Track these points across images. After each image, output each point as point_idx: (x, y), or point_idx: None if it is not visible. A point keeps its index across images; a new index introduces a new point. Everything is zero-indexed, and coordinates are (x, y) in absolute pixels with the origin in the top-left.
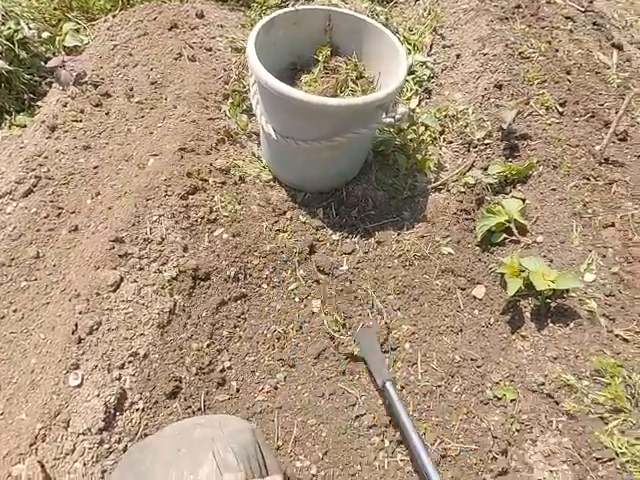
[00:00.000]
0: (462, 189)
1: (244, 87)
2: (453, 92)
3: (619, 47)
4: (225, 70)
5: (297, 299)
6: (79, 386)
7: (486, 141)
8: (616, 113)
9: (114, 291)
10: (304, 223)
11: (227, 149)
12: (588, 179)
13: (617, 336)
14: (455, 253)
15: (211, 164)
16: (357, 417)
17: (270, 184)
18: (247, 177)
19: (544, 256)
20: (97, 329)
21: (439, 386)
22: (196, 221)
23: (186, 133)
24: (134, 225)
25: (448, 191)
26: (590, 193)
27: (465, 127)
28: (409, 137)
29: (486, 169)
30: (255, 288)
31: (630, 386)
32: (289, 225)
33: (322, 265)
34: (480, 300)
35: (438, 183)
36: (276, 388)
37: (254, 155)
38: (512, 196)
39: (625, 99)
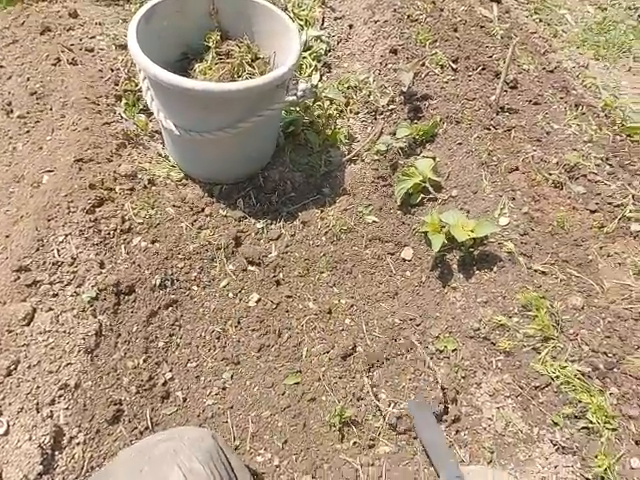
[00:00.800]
0: (375, 157)
1: (137, 85)
2: (352, 63)
3: (498, 0)
4: (112, 70)
5: (231, 295)
6: (5, 434)
7: (390, 107)
8: (504, 63)
9: (28, 324)
10: (225, 217)
11: (130, 153)
12: (489, 129)
13: (536, 271)
14: (379, 220)
15: (115, 171)
16: (310, 399)
17: (182, 182)
18: (156, 179)
19: (461, 208)
20: (15, 369)
21: (385, 351)
22: (109, 234)
23: (80, 142)
24: (38, 250)
25: (363, 161)
26: (492, 142)
27: (369, 96)
28: (316, 113)
29: (394, 134)
30: (185, 292)
31: (554, 314)
32: (210, 221)
33: (250, 256)
34: (409, 261)
35: (352, 155)
36: (224, 388)
37: (160, 155)
38: (423, 156)
39: (509, 49)
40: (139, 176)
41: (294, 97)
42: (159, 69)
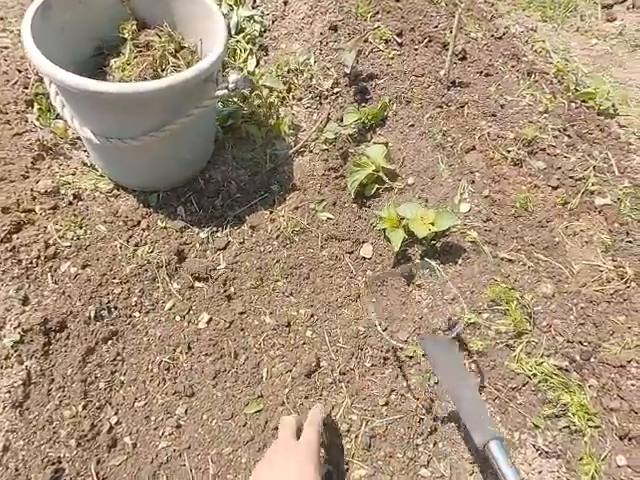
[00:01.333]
0: (324, 146)
1: None
2: (290, 43)
3: None
4: (20, 71)
5: (178, 318)
6: None
7: (335, 90)
8: (451, 33)
9: None
10: (165, 228)
11: (49, 165)
12: (441, 107)
13: (502, 259)
14: (334, 216)
15: (32, 189)
16: (275, 428)
17: (114, 194)
18: (83, 193)
19: (419, 197)
20: None
21: (350, 363)
22: (31, 263)
23: None
24: None
25: (311, 152)
26: (446, 121)
27: (311, 79)
28: (256, 103)
29: (342, 120)
30: (125, 320)
31: (525, 306)
32: (147, 236)
33: (196, 271)
34: (370, 259)
35: (299, 146)
36: (179, 426)
37: (85, 164)
38: (374, 142)
39: (455, 17)
40: (62, 191)
41: (225, 91)
42: (63, 72)
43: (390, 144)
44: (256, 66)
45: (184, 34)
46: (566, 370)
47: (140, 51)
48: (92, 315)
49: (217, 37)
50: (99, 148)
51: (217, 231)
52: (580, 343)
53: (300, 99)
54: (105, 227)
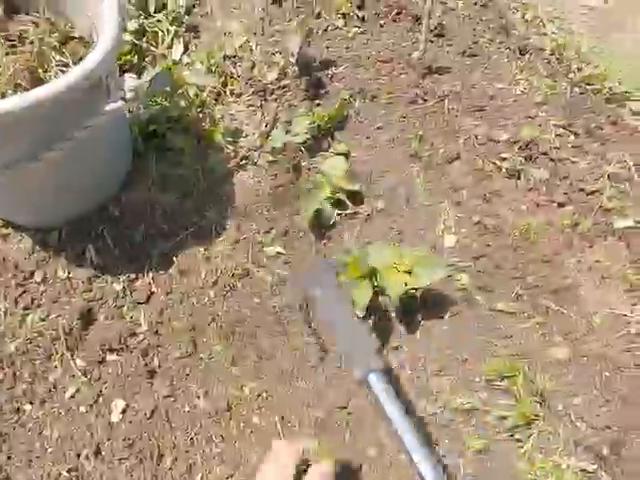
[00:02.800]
0: (271, 157)
1: None
2: (227, 21)
3: None
4: None
5: (83, 409)
6: None
7: (282, 82)
8: (424, 2)
9: None
10: (67, 279)
11: None
12: (415, 102)
13: (501, 311)
14: (286, 251)
15: None
16: None
17: (1, 233)
18: None
19: (390, 227)
20: None
21: None
22: None
23: None
24: None
25: (255, 164)
26: (422, 120)
27: (252, 69)
28: (182, 105)
29: (291, 122)
30: (11, 418)
31: (534, 381)
32: (43, 293)
33: (108, 339)
34: None
35: (239, 158)
36: None
37: None
38: (332, 152)
39: None
40: None
41: (118, 103)
42: None
43: (353, 154)
44: (184, 53)
45: (74, 21)
46: (592, 473)
47: (12, 46)
48: None
49: (104, 24)
50: None
51: (137, 278)
52: (608, 428)
53: (239, 95)
54: None
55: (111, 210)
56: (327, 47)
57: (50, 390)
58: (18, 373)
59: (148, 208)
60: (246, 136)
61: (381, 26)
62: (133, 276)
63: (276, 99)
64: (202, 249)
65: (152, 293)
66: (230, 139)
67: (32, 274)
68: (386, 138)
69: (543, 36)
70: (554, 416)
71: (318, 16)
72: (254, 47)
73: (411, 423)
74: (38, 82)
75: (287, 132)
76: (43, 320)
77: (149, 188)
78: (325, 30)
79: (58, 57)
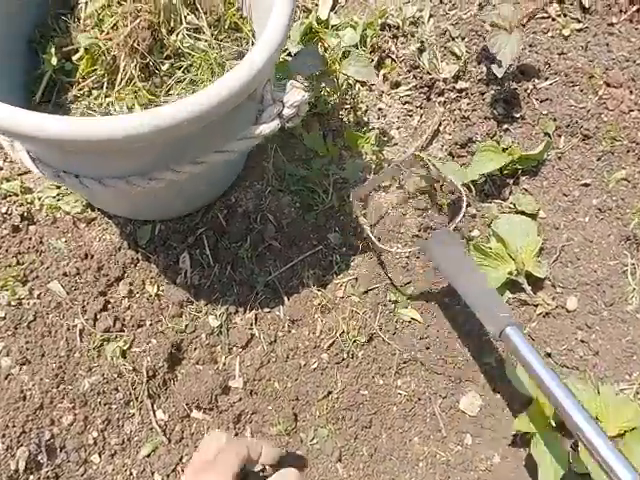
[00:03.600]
0: (421, 183)
1: None
2: None
3: None
4: None
5: (159, 477)
6: None
7: (460, 84)
8: None
9: None
10: (157, 298)
11: None
12: None
13: None
14: (423, 321)
15: None
16: None
17: (85, 217)
18: (37, 213)
19: (582, 342)
20: None
21: None
22: None
23: None
24: None
25: (400, 187)
26: None
27: (420, 53)
28: (324, 91)
29: (464, 146)
30: (78, 469)
31: None
32: (127, 311)
33: (197, 394)
34: (474, 417)
35: (383, 173)
36: None
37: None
38: (512, 204)
39: None
40: (2, 208)
41: (272, 123)
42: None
43: (541, 214)
44: (332, 9)
45: None
46: None
47: None
48: (21, 466)
49: (271, 9)
50: None
51: (236, 312)
52: None
53: (396, 84)
54: (63, 285)
55: (216, 212)
56: (530, 45)
57: (124, 442)
58: (91, 417)
59: (259, 217)
60: (395, 143)
61: (611, 25)
62: (232, 309)
63: (444, 103)
64: (319, 289)
65: (252, 337)
66: (374, 142)
67: (117, 281)
68: (594, 203)
69: None
70: None
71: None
72: (426, 21)
73: (556, 373)
74: (159, 49)
75: (451, 155)
76: (124, 354)
77: (264, 189)
78: (530, 17)
79: (188, 15)
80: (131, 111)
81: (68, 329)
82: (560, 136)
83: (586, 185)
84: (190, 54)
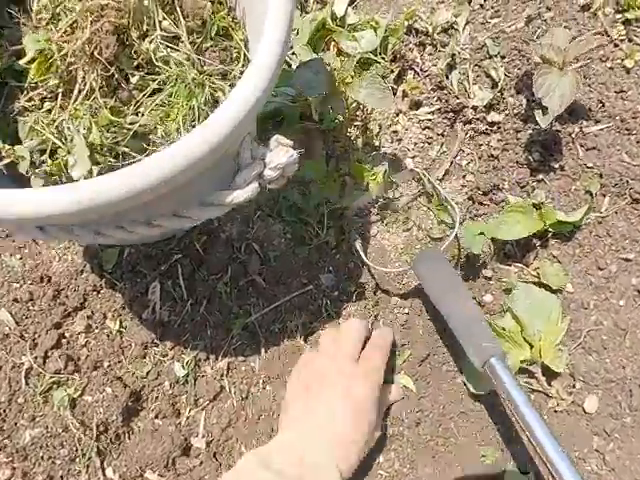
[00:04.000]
0: (434, 226)
1: None
2: None
3: None
4: None
5: None
6: None
7: (492, 117)
8: None
9: None
10: (119, 335)
11: None
12: None
13: None
14: (417, 391)
15: None
16: None
17: None
18: None
19: (591, 472)
20: None
21: None
22: None
23: None
24: None
25: (408, 230)
26: None
27: (449, 70)
28: (331, 114)
29: (487, 193)
30: None
31: None
32: (82, 349)
33: (152, 455)
34: None
35: (390, 208)
36: None
37: None
38: (537, 273)
39: None
40: None
41: (249, 186)
42: None
43: (568, 288)
44: (350, 4)
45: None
46: None
47: None
48: None
49: (267, 22)
50: None
51: (207, 359)
52: None
53: (417, 104)
54: (13, 314)
55: (194, 237)
56: (583, 76)
57: None
58: (31, 473)
59: (243, 247)
60: (411, 170)
61: None
62: (203, 355)
63: (468, 133)
64: (304, 339)
65: (222, 390)
66: (380, 181)
67: (75, 311)
68: (634, 283)
69: None
70: None
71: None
72: (462, 31)
73: (537, 410)
74: (128, 56)
75: (470, 200)
76: (73, 404)
77: (252, 215)
78: (581, 30)
79: (164, 19)
80: (89, 133)
81: (13, 367)
82: (604, 196)
83: (627, 260)
84: (163, 68)
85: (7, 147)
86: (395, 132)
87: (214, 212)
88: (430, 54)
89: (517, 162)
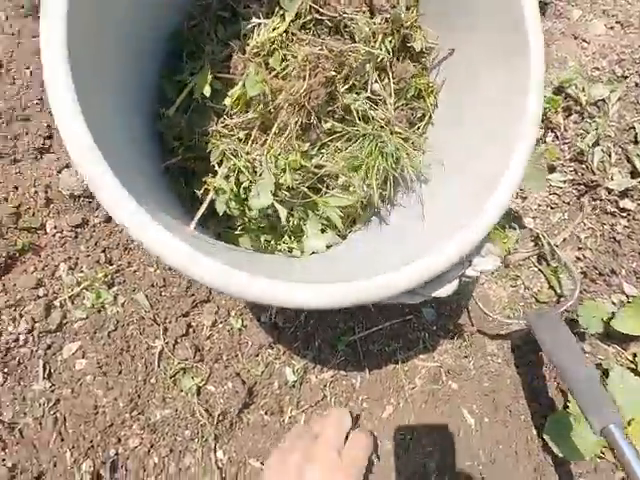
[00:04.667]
0: (542, 289)
1: None
2: (592, 17)
3: None
4: None
5: None
6: None
7: (625, 203)
8: None
9: None
10: (238, 332)
11: None
12: None
13: None
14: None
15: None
16: None
17: None
18: None
19: None
20: None
21: None
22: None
23: None
24: None
25: (514, 287)
26: None
27: (592, 145)
28: None
29: (603, 274)
30: None
31: None
32: (207, 339)
33: (260, 447)
34: None
35: (502, 262)
36: None
37: None
38: (635, 367)
39: None
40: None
41: (453, 285)
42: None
43: None
44: None
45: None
46: None
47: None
48: (85, 478)
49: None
50: None
51: (314, 367)
52: None
53: (551, 168)
54: (149, 297)
55: None
56: None
57: (180, 472)
58: (156, 445)
59: None
60: (530, 229)
61: None
62: (310, 365)
63: (597, 212)
64: (401, 364)
65: (323, 398)
66: (512, 246)
67: (202, 304)
68: None
69: None
70: None
71: None
72: (612, 107)
73: None
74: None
75: (584, 274)
76: (199, 392)
77: None
78: None
79: (375, 81)
80: (282, 174)
81: (147, 348)
82: None
83: None
84: (360, 124)
85: (210, 179)
86: (522, 189)
87: (417, 299)
88: (575, 122)
89: (639, 253)
